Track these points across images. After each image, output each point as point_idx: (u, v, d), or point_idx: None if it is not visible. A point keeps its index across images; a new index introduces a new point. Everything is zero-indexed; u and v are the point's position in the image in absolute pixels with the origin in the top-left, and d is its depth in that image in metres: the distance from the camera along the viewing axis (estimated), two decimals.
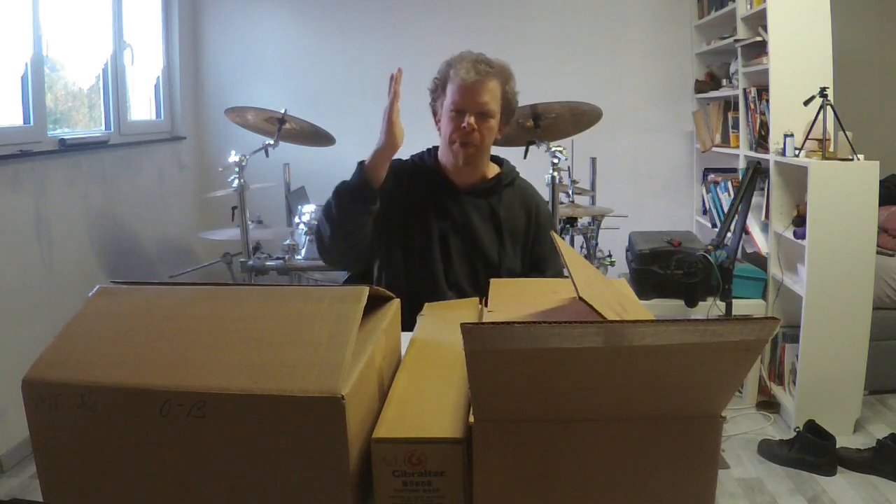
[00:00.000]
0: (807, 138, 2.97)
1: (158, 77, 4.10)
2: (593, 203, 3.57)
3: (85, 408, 0.84)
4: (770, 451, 2.78)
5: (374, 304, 1.08)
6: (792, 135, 3.05)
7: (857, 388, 2.95)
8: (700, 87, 4.20)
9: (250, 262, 3.09)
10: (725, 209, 3.57)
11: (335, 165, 4.10)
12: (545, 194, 2.40)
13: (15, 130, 2.87)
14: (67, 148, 3.10)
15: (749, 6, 3.43)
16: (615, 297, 1.10)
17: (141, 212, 3.75)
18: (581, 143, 3.23)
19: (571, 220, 3.20)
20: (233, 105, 3.36)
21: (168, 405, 0.82)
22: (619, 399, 0.82)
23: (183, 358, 0.87)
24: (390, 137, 1.69)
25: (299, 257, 3.10)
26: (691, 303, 3.11)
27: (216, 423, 0.82)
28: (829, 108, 2.89)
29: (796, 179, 3.13)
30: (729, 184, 3.75)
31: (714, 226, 3.87)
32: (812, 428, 2.75)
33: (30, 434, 0.87)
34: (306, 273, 3.20)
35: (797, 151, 3.01)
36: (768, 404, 3.25)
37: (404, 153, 1.96)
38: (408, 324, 1.28)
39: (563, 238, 3.08)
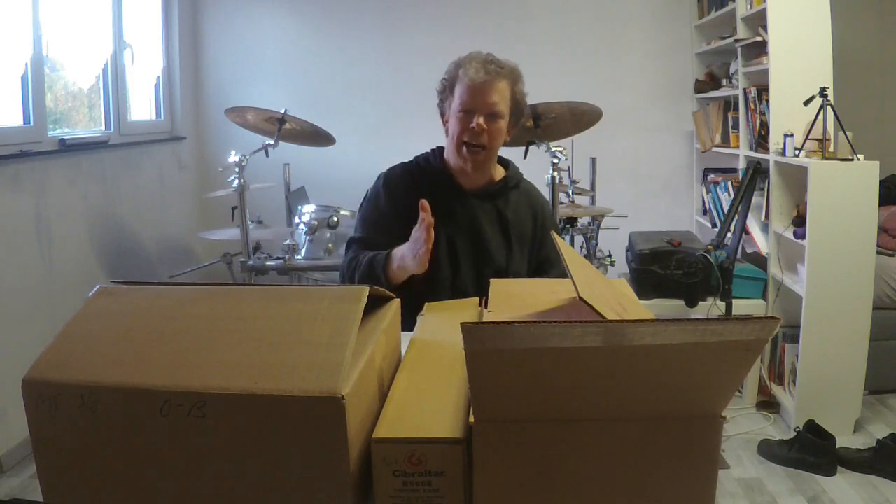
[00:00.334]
0: (807, 138, 2.97)
1: (158, 77, 4.10)
2: (593, 203, 3.57)
3: (85, 408, 0.84)
4: (770, 451, 2.78)
5: (374, 304, 1.08)
6: (792, 135, 3.05)
7: (857, 388, 2.95)
8: (700, 87, 4.20)
9: (250, 262, 3.09)
10: (725, 209, 3.57)
11: (335, 165, 4.15)
12: (545, 194, 2.40)
13: (15, 130, 2.87)
14: (67, 148, 3.10)
15: (749, 6, 3.43)
16: (615, 297, 1.10)
17: (141, 212, 3.75)
18: (581, 143, 3.23)
19: (571, 220, 3.20)
20: (233, 105, 3.37)
21: (168, 405, 0.82)
22: (619, 399, 0.82)
23: (183, 358, 0.87)
24: (423, 264, 1.65)
25: (299, 257, 3.10)
26: (691, 303, 3.11)
27: (216, 423, 0.82)
28: (829, 108, 2.89)
29: (796, 179, 3.13)
30: (729, 184, 3.75)
31: (714, 226, 3.87)
32: (812, 428, 2.75)
33: (30, 434, 0.87)
34: (306, 273, 3.19)
35: (797, 151, 3.01)
36: (768, 404, 3.25)
37: (404, 155, 1.97)
38: (410, 325, 1.28)
39: (563, 238, 3.08)
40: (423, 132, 1.98)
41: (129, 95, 3.77)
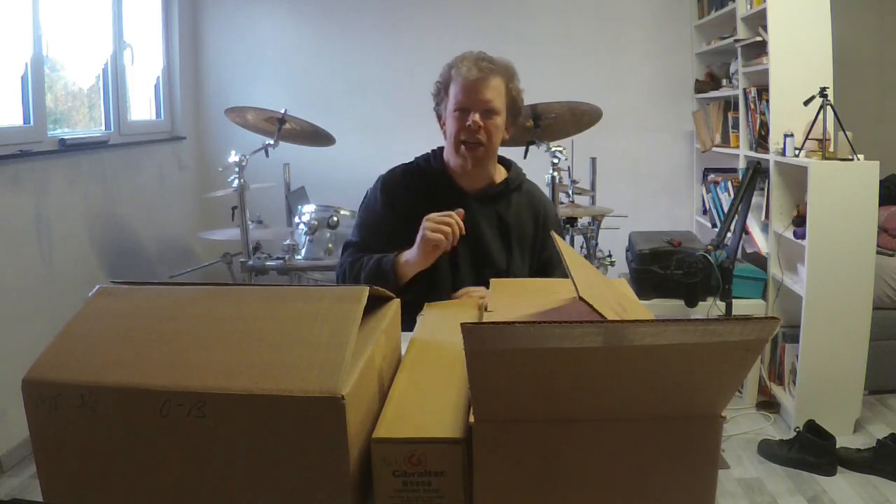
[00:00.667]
0: (807, 138, 2.97)
1: (158, 77, 4.10)
2: (593, 203, 3.57)
3: (85, 408, 0.84)
4: (770, 451, 2.78)
5: (374, 304, 1.08)
6: (792, 135, 3.05)
7: (857, 388, 2.95)
8: (700, 87, 4.20)
9: (250, 262, 3.09)
10: (725, 209, 3.57)
11: (335, 165, 4.14)
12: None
13: (15, 130, 2.87)
14: (67, 148, 3.10)
15: (749, 6, 3.43)
16: (615, 297, 1.10)
17: (141, 212, 3.75)
18: (581, 143, 3.23)
19: (571, 220, 3.20)
20: (233, 105, 3.37)
21: (168, 405, 0.82)
22: (619, 399, 0.82)
23: (183, 358, 0.87)
24: (430, 260, 1.68)
25: (299, 257, 3.10)
26: (691, 303, 3.11)
27: (216, 423, 0.82)
28: (829, 108, 2.89)
29: (796, 179, 3.13)
30: (729, 184, 3.75)
31: (714, 226, 3.87)
32: (812, 428, 2.75)
33: (30, 434, 0.87)
34: (306, 273, 3.19)
35: (797, 151, 3.01)
36: (768, 404, 3.25)
37: (405, 155, 1.96)
38: (410, 325, 1.28)
39: (563, 238, 3.08)
40: (423, 132, 1.97)
41: (129, 95, 3.77)
